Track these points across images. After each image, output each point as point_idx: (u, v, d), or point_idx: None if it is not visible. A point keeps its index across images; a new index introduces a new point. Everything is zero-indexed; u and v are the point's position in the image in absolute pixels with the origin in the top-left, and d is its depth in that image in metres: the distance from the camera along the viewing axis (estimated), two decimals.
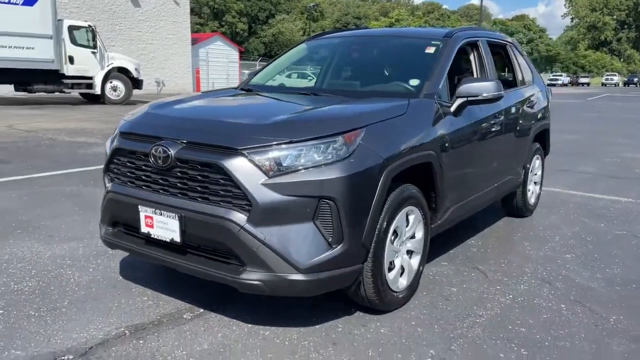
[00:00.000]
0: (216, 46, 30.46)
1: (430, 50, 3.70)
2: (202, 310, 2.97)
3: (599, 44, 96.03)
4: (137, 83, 18.16)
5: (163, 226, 2.72)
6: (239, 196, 2.49)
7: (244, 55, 44.52)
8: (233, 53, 31.74)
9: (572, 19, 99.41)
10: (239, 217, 2.49)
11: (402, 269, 3.05)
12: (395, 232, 2.92)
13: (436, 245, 4.07)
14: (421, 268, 3.20)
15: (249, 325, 2.80)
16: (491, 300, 3.21)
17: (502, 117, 4.07)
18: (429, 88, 3.36)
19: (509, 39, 4.98)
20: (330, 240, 2.55)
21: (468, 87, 3.40)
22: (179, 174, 2.66)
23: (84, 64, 16.79)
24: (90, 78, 17.04)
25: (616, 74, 75.73)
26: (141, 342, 2.61)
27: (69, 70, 16.51)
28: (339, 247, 2.56)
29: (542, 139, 5.26)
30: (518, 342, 2.71)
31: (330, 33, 4.63)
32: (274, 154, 2.51)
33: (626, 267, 3.85)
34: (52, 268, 3.49)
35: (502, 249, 4.18)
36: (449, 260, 3.87)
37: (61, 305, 2.97)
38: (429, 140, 3.11)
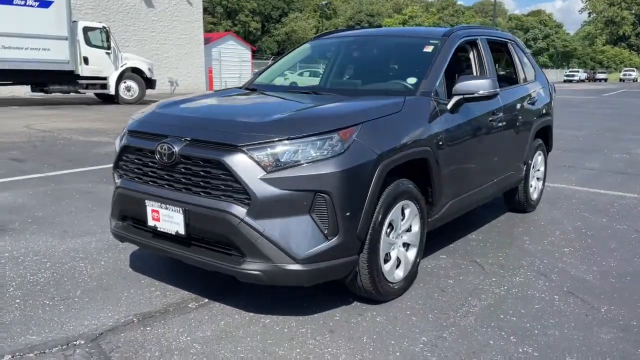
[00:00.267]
0: (228, 45, 30.71)
1: (429, 49, 3.80)
2: (206, 300, 3.11)
3: (617, 39, 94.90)
4: (150, 83, 18.43)
5: (168, 219, 2.86)
6: (239, 190, 2.63)
7: (256, 54, 44.79)
8: (245, 52, 31.97)
9: (589, 13, 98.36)
10: (239, 211, 2.62)
11: (399, 260, 3.16)
12: (391, 225, 3.04)
13: (436, 239, 4.18)
14: (418, 260, 3.31)
15: (251, 314, 2.94)
16: (486, 291, 3.31)
17: (501, 114, 4.15)
18: (426, 86, 3.46)
19: (510, 37, 5.06)
20: (326, 232, 2.67)
21: (464, 85, 3.50)
22: (183, 169, 2.80)
23: (99, 64, 17.09)
24: (105, 78, 17.34)
25: (634, 69, 74.80)
26: (148, 329, 2.76)
27: (83, 70, 16.82)
28: (334, 239, 2.69)
29: (545, 135, 5.32)
30: (508, 330, 2.82)
31: (334, 33, 4.74)
32: (272, 150, 2.64)
33: (623, 260, 3.92)
34: (65, 261, 3.66)
35: (501, 243, 4.27)
36: (448, 253, 3.98)
37: (74, 295, 3.13)
38: (425, 137, 3.22)
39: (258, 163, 2.61)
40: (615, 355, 2.59)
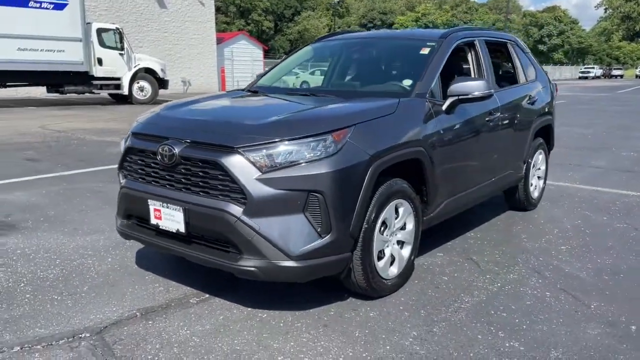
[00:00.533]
0: (240, 45, 30.93)
1: (425, 51, 3.89)
2: (207, 295, 3.24)
3: (633, 35, 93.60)
4: (163, 83, 18.67)
5: (170, 218, 2.99)
6: (236, 190, 2.75)
7: (269, 53, 44.99)
8: (257, 52, 32.17)
9: (605, 9, 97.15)
10: (236, 210, 2.74)
11: (393, 258, 3.26)
12: (384, 224, 3.13)
13: (434, 237, 4.27)
14: (412, 257, 3.40)
15: (249, 309, 3.06)
16: (479, 288, 3.40)
17: (498, 114, 4.22)
18: (421, 88, 3.55)
19: (510, 37, 5.12)
20: (319, 230, 2.78)
21: (458, 86, 3.58)
22: (183, 170, 2.93)
23: (112, 65, 17.35)
24: (118, 79, 17.61)
25: None
26: (150, 322, 2.89)
27: (97, 71, 17.09)
28: (327, 236, 2.79)
29: (546, 134, 5.37)
30: (497, 325, 2.90)
31: (336, 35, 4.84)
32: (267, 151, 2.75)
33: (619, 257, 3.98)
34: (74, 258, 3.81)
35: (499, 240, 4.34)
36: (445, 251, 4.06)
37: (81, 290, 3.28)
38: (418, 138, 3.31)
39: (254, 164, 2.73)
40: (599, 350, 2.66)
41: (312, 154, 2.76)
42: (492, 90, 3.69)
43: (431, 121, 3.46)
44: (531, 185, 5.13)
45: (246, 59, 30.93)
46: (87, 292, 3.25)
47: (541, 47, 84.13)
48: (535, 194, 5.27)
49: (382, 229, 3.13)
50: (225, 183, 2.78)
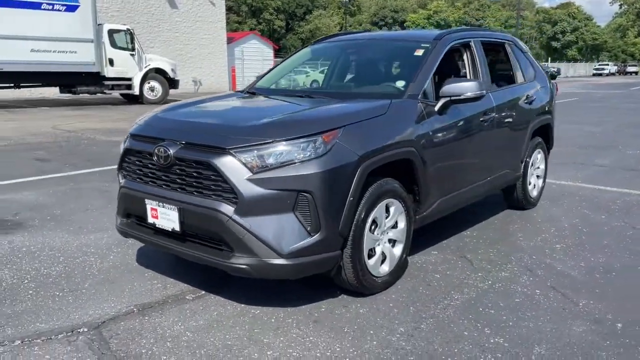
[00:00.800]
0: (251, 45, 31.09)
1: (419, 52, 3.94)
2: (203, 292, 3.33)
3: None
4: (173, 83, 18.85)
5: (165, 217, 3.09)
6: (228, 190, 2.84)
7: (280, 52, 45.13)
8: (267, 51, 32.30)
9: (620, 5, 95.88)
10: (228, 209, 2.83)
11: (384, 256, 3.32)
12: (375, 222, 3.20)
13: (430, 235, 4.33)
14: (404, 255, 3.47)
15: (242, 305, 3.15)
16: (470, 285, 3.45)
17: (493, 114, 4.27)
18: (413, 89, 3.61)
19: (508, 37, 5.15)
20: (309, 229, 2.86)
21: (450, 88, 3.63)
22: (178, 170, 3.02)
23: (123, 65, 17.56)
24: (129, 79, 17.81)
25: None
26: (146, 318, 2.99)
27: (109, 72, 17.31)
28: (317, 235, 2.87)
29: (545, 133, 5.39)
30: (484, 322, 2.96)
31: (335, 37, 4.91)
32: (258, 152, 2.83)
33: (613, 256, 4.01)
34: (77, 255, 3.93)
35: (494, 239, 4.38)
36: (440, 249, 4.12)
37: (82, 287, 3.39)
38: (410, 138, 3.37)
39: (245, 164, 2.81)
40: (582, 346, 2.71)
41: (302, 155, 2.84)
42: (484, 91, 3.74)
43: (423, 122, 3.52)
44: (529, 184, 5.16)
45: (257, 58, 31.07)
46: (88, 289, 3.36)
47: (555, 43, 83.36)
48: (534, 193, 5.29)
49: (373, 227, 3.20)
50: (217, 183, 2.87)
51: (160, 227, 3.15)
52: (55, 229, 4.53)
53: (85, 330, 2.85)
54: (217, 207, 2.86)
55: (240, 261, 2.86)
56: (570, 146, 9.34)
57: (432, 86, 3.77)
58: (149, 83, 18.17)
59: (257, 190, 2.79)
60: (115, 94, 18.77)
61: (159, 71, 18.48)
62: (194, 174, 2.96)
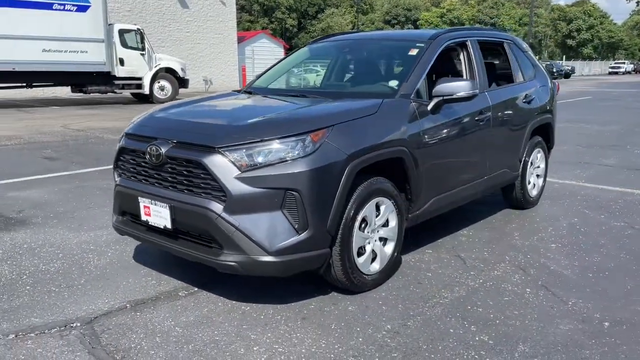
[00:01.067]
0: (261, 44, 31.25)
1: (414, 52, 3.96)
2: (196, 289, 3.39)
3: None
4: (183, 82, 18.99)
5: (158, 215, 3.15)
6: (217, 188, 2.88)
7: (290, 51, 45.23)
8: (278, 50, 32.44)
9: (637, 2, 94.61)
10: (217, 207, 2.88)
11: (375, 254, 3.35)
12: (365, 221, 3.23)
13: (426, 234, 4.35)
14: (395, 254, 3.49)
15: (233, 302, 3.19)
16: (461, 284, 3.47)
17: (489, 113, 4.27)
18: (406, 88, 3.63)
19: (507, 37, 5.14)
20: (296, 226, 2.90)
21: (442, 87, 3.65)
22: (169, 169, 3.08)
23: (134, 65, 17.73)
24: (140, 79, 17.97)
25: None
26: (138, 314, 3.05)
27: (119, 71, 17.48)
28: (304, 233, 2.91)
29: (545, 132, 5.37)
30: (471, 320, 2.98)
31: (332, 36, 4.94)
32: (247, 151, 2.88)
33: (608, 255, 4.00)
34: (76, 252, 4.01)
35: (490, 238, 4.39)
36: (435, 248, 4.13)
37: (78, 283, 3.46)
38: (401, 137, 3.39)
39: (233, 163, 2.86)
40: (566, 345, 2.72)
41: (290, 154, 2.88)
42: (477, 91, 3.74)
43: (415, 121, 3.54)
44: (529, 183, 5.15)
45: (267, 57, 31.21)
46: (84, 285, 3.43)
47: (570, 42, 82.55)
48: (534, 193, 5.28)
49: (363, 226, 3.23)
50: (207, 181, 2.92)
51: (153, 224, 3.21)
52: (57, 226, 4.62)
53: (78, 325, 2.91)
54: (206, 205, 2.91)
55: (229, 258, 2.91)
56: (577, 145, 9.28)
57: (426, 86, 3.79)
58: (159, 82, 18.32)
59: (245, 188, 2.84)
60: (126, 93, 18.95)
61: (169, 70, 18.63)
62: (185, 173, 3.01)
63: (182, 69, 18.96)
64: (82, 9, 16.42)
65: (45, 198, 5.58)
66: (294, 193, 2.86)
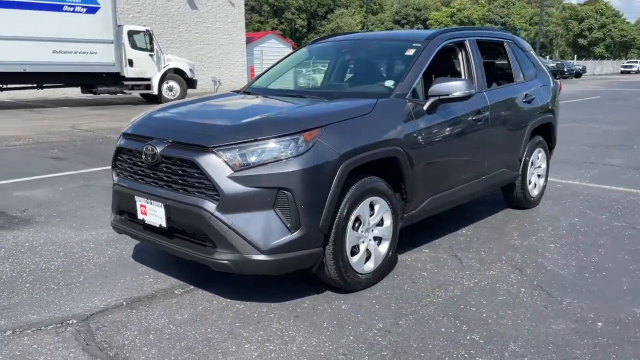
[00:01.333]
0: (270, 44, 31.35)
1: (410, 52, 3.97)
2: (192, 287, 3.42)
3: None
4: (191, 83, 19.10)
5: (153, 213, 3.19)
6: (210, 188, 2.92)
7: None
8: (286, 50, 32.44)
9: None
10: (210, 206, 2.91)
11: (369, 253, 3.37)
12: (358, 220, 3.25)
13: (424, 233, 4.36)
14: (390, 253, 3.50)
15: (228, 300, 3.23)
16: (455, 283, 3.48)
17: (487, 113, 4.26)
18: (401, 88, 3.64)
19: (508, 36, 5.13)
20: (289, 225, 2.92)
21: (438, 87, 3.65)
22: (164, 168, 3.12)
23: (143, 66, 17.86)
24: (148, 79, 18.10)
25: None
26: (134, 311, 3.09)
27: (128, 72, 17.61)
28: (297, 232, 2.93)
29: (547, 132, 5.35)
30: (463, 319, 2.99)
31: (331, 37, 4.96)
32: (240, 151, 2.91)
33: (607, 256, 3.98)
34: (77, 250, 4.06)
35: (488, 238, 4.38)
36: (431, 247, 4.14)
37: (77, 281, 3.51)
38: (395, 137, 3.40)
39: (227, 162, 2.89)
40: (558, 344, 2.72)
41: (282, 153, 2.91)
42: (473, 90, 3.74)
43: (411, 121, 3.55)
44: (529, 183, 5.14)
45: (276, 57, 31.25)
46: (82, 283, 3.48)
47: (581, 41, 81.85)
48: (535, 192, 5.26)
49: (357, 225, 3.25)
50: (200, 181, 2.95)
51: (149, 223, 3.25)
52: (59, 225, 4.68)
53: (74, 322, 2.96)
54: (200, 204, 2.94)
55: (223, 257, 2.94)
56: (583, 145, 9.22)
57: (422, 85, 3.79)
58: (167, 83, 18.44)
59: (238, 187, 2.87)
60: (135, 94, 19.10)
61: (178, 71, 18.75)
62: (179, 172, 3.05)
63: (190, 70, 19.07)
64: (92, 10, 16.57)
65: (49, 197, 5.65)
66: (286, 192, 2.89)
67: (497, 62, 5.22)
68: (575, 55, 76.12)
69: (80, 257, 3.92)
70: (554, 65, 42.70)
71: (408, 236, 4.19)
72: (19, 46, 15.34)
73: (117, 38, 17.23)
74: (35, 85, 16.78)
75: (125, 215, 3.54)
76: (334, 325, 2.92)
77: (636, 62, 68.62)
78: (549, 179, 5.73)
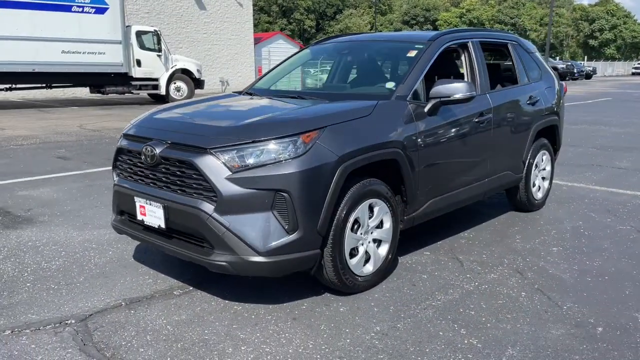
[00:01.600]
0: (278, 45, 31.39)
1: (412, 53, 3.95)
2: (191, 288, 3.43)
3: None
4: (199, 83, 19.17)
5: (152, 214, 3.19)
6: (208, 189, 2.92)
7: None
8: (294, 51, 32.51)
9: None
10: (208, 207, 2.91)
11: (368, 255, 3.35)
12: (357, 222, 3.24)
13: (425, 235, 4.34)
14: (390, 256, 3.48)
15: (226, 301, 3.22)
16: (455, 286, 3.45)
17: (490, 115, 4.24)
18: (402, 90, 3.63)
19: (512, 37, 5.09)
20: (286, 227, 2.92)
21: (439, 89, 3.63)
22: (163, 169, 3.12)
23: (150, 66, 17.94)
24: (156, 79, 18.18)
25: None
26: (132, 312, 3.09)
27: (136, 72, 17.70)
28: (294, 233, 2.92)
29: (551, 134, 5.31)
30: (462, 323, 2.97)
31: (333, 38, 4.95)
32: (238, 152, 2.91)
33: (609, 259, 3.94)
34: (78, 250, 4.08)
35: (491, 241, 4.35)
36: (433, 250, 4.12)
37: (77, 281, 3.53)
38: (395, 139, 3.39)
39: (225, 164, 2.89)
40: (557, 350, 2.69)
41: (280, 155, 2.90)
42: (474, 92, 3.71)
43: (411, 123, 3.54)
44: (533, 185, 5.10)
45: (283, 58, 31.37)
46: (82, 283, 3.49)
47: (592, 42, 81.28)
48: (539, 195, 5.22)
49: (355, 227, 3.23)
50: (199, 182, 2.95)
51: (148, 224, 3.26)
52: (62, 225, 4.70)
53: (73, 322, 2.97)
54: (198, 205, 2.94)
55: (220, 258, 2.94)
56: (591, 147, 9.15)
57: (424, 87, 3.77)
58: (175, 83, 18.51)
59: (236, 189, 2.86)
60: (143, 94, 19.19)
61: (185, 71, 18.81)
62: (178, 173, 3.05)
63: (197, 70, 19.13)
64: (101, 11, 16.67)
65: (54, 197, 5.68)
66: (284, 194, 2.88)
67: (501, 64, 5.18)
68: (586, 57, 75.58)
69: (82, 257, 3.94)
70: (564, 66, 42.31)
71: (409, 238, 4.17)
72: (28, 46, 15.46)
73: (125, 38, 17.32)
74: (44, 85, 16.92)
75: (125, 215, 3.55)
76: (331, 328, 2.91)
77: None
78: (554, 181, 5.69)
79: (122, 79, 17.54)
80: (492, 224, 4.84)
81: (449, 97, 3.63)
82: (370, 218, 3.32)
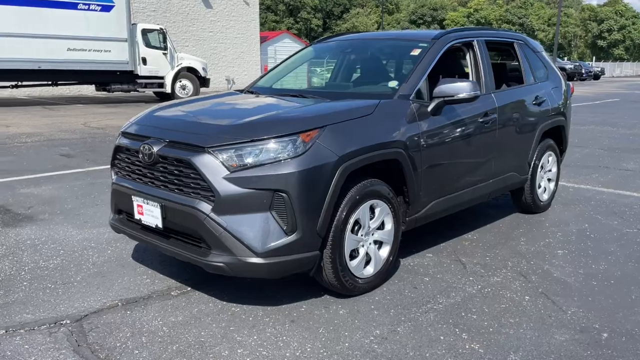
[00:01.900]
0: (284, 43, 31.35)
1: (416, 52, 3.89)
2: (189, 288, 3.38)
3: None
4: (204, 81, 19.13)
5: (150, 214, 3.15)
6: (206, 188, 2.87)
7: None
8: None
9: None
10: (205, 207, 2.86)
11: (369, 257, 3.29)
12: (358, 223, 3.18)
13: (428, 237, 4.28)
14: (391, 257, 3.42)
15: (224, 303, 3.17)
16: (458, 289, 3.39)
17: (495, 115, 4.17)
18: (405, 89, 3.56)
19: (518, 37, 5.02)
20: (285, 228, 2.86)
21: (443, 88, 3.57)
22: (161, 168, 3.08)
23: (156, 64, 17.92)
24: (162, 78, 18.15)
25: None
26: (128, 312, 3.05)
27: (142, 70, 17.68)
28: (293, 235, 2.87)
29: (558, 135, 5.23)
30: (463, 327, 2.90)
31: (337, 37, 4.89)
32: (236, 151, 2.85)
33: (615, 263, 3.86)
34: (77, 249, 4.04)
35: (495, 243, 4.28)
36: (435, 252, 4.05)
37: (74, 280, 3.49)
38: (398, 139, 3.32)
39: (223, 163, 2.84)
40: (560, 356, 2.63)
41: (279, 155, 2.85)
42: (479, 92, 3.64)
43: (414, 122, 3.47)
44: (539, 187, 5.02)
45: None
46: (79, 282, 3.45)
47: (600, 42, 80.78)
48: (545, 197, 5.15)
49: (356, 228, 3.18)
50: (196, 181, 2.90)
51: (145, 223, 3.21)
52: (62, 223, 4.67)
53: (68, 322, 2.92)
54: (195, 204, 2.89)
55: (218, 259, 2.89)
56: (598, 148, 9.05)
57: (427, 86, 3.71)
58: (180, 81, 18.48)
59: (234, 189, 2.81)
60: (149, 92, 19.19)
61: (191, 70, 18.78)
62: (176, 172, 3.00)
63: (203, 69, 19.10)
64: (107, 8, 16.67)
65: (55, 195, 5.66)
66: (282, 194, 2.83)
67: (507, 63, 5.11)
68: (594, 57, 75.09)
69: (80, 256, 3.90)
70: (572, 67, 42.02)
71: (411, 240, 4.11)
72: (34, 44, 15.48)
73: (131, 36, 17.31)
74: (49, 82, 16.93)
75: (123, 214, 3.51)
76: (330, 331, 2.85)
77: None
78: (560, 183, 5.61)
79: (127, 77, 17.53)
80: (496, 225, 4.77)
81: (453, 96, 3.57)
82: (371, 219, 3.26)
